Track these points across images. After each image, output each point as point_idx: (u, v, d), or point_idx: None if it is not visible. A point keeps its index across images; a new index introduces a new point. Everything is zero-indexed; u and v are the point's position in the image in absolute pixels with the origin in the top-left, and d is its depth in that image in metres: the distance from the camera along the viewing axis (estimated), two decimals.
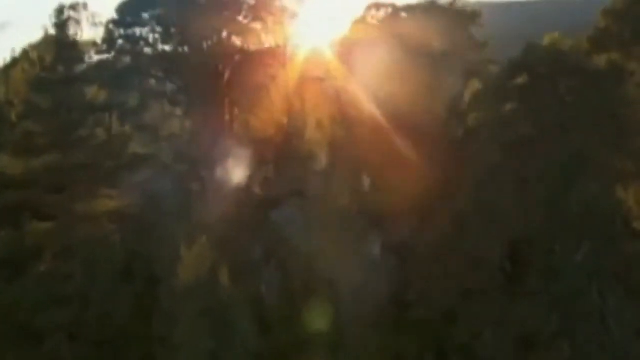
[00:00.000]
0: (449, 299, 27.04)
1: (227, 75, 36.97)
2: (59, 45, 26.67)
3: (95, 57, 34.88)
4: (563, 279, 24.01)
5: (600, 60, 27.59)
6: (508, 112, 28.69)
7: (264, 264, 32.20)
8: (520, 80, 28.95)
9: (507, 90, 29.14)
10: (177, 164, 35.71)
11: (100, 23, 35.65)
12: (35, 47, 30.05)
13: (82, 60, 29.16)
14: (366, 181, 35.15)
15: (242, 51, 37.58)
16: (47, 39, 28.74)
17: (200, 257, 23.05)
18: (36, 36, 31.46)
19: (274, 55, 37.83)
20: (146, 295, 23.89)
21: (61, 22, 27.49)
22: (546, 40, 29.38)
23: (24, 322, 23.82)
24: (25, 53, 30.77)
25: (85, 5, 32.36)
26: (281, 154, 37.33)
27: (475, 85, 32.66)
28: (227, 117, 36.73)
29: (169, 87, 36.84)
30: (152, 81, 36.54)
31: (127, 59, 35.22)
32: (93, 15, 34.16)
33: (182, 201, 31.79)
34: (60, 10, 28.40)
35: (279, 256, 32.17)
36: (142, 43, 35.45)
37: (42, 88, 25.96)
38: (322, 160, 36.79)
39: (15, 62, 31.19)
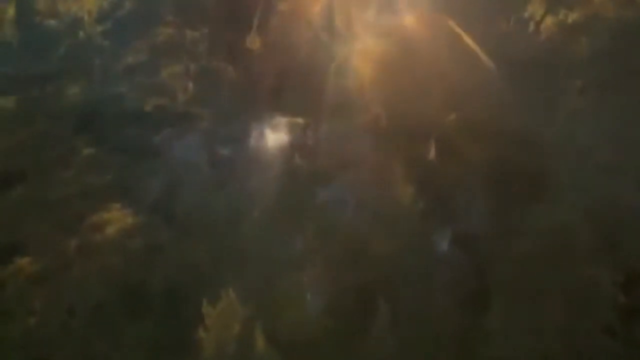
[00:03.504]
0: (541, 338, 21.56)
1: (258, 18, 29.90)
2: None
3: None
4: None
5: None
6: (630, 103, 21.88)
7: (306, 260, 27.01)
8: None
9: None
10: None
11: None
12: None
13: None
14: (431, 146, 29.48)
15: None
16: None
17: (227, 316, 17.78)
18: None
19: None
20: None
21: None
22: None
23: None
24: None
25: None
26: (325, 110, 31.46)
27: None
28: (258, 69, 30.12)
29: (189, 36, 30.01)
30: (167, 30, 29.67)
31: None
32: None
33: (208, 188, 26.17)
34: None
35: (325, 253, 26.89)
36: None
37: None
38: (375, 108, 31.23)
39: None
